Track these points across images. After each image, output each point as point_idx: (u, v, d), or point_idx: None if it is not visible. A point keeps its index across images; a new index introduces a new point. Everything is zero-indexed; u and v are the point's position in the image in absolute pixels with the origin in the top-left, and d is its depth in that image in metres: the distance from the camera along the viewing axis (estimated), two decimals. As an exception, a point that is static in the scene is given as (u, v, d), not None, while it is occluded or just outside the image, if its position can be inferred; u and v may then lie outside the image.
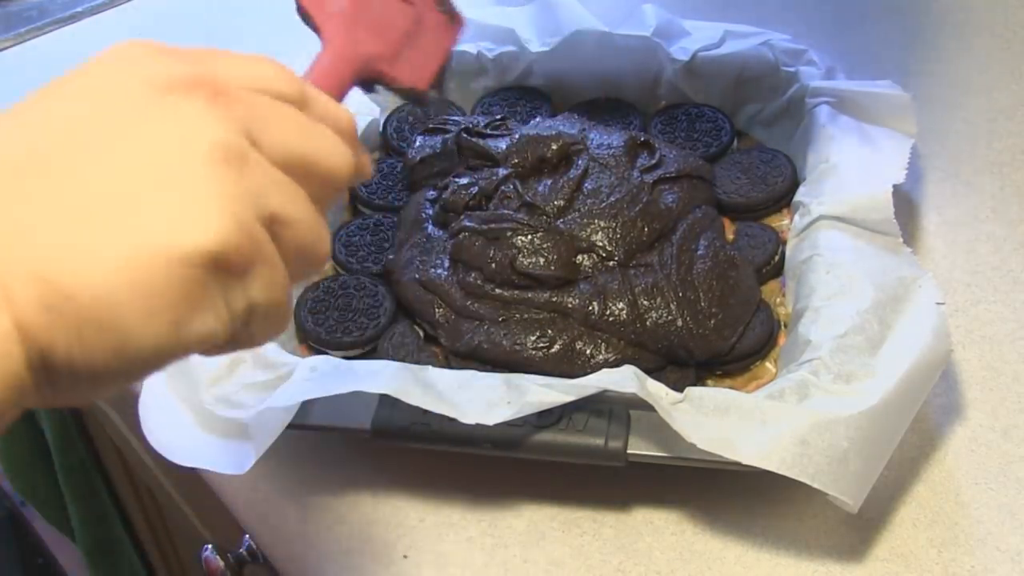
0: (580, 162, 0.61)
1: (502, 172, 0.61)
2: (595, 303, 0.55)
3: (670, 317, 0.55)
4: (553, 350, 0.55)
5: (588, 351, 0.55)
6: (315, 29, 0.47)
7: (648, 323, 0.55)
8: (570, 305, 0.56)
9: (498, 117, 0.67)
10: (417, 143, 0.67)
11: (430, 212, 0.62)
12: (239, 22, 0.89)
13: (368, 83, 0.48)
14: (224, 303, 0.29)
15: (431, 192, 0.64)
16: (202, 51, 0.33)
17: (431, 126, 0.68)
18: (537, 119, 0.67)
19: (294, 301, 0.30)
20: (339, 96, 0.45)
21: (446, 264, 0.59)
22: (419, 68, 0.49)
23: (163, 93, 0.30)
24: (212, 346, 0.30)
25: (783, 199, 0.63)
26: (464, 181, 0.61)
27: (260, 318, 0.31)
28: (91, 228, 0.27)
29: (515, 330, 0.55)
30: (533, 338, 0.55)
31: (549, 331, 0.55)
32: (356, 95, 0.69)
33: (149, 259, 0.27)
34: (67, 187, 0.28)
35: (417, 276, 0.59)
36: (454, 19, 0.53)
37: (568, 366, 0.54)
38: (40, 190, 0.27)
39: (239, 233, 0.28)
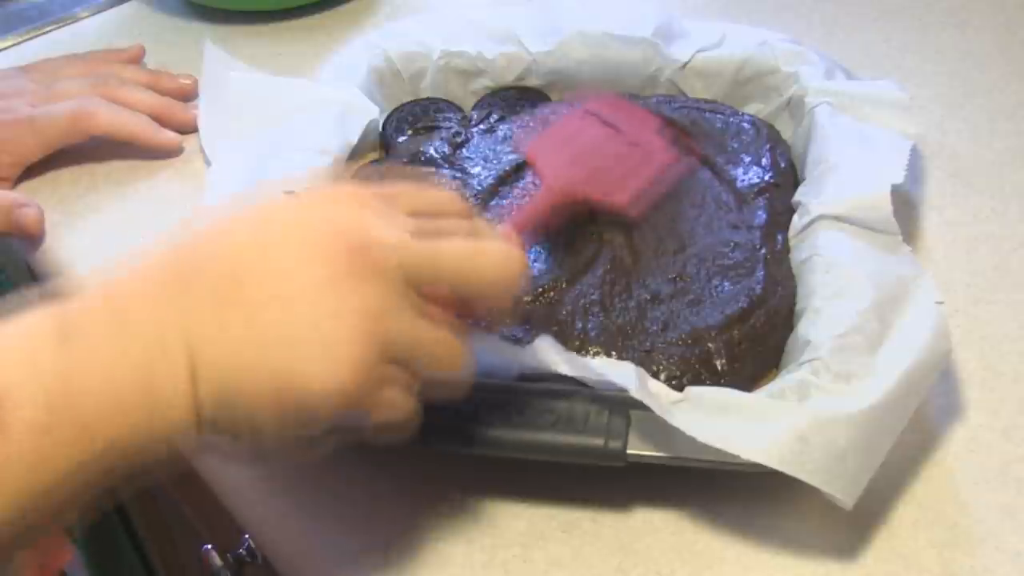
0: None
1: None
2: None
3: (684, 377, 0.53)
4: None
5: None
6: (537, 174, 0.57)
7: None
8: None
9: (495, 118, 0.67)
10: (398, 141, 0.67)
11: None
12: (238, 18, 0.89)
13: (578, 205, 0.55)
14: (343, 428, 0.40)
15: None
16: (389, 192, 0.42)
17: (420, 126, 0.68)
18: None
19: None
20: (545, 220, 0.54)
21: None
22: (621, 188, 0.56)
23: (334, 259, 0.38)
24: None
25: (783, 199, 0.63)
26: None
27: (381, 432, 0.41)
28: (260, 354, 0.37)
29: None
30: None
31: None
32: (356, 95, 0.69)
33: (290, 394, 0.37)
34: (256, 315, 0.37)
35: None
36: (675, 147, 0.59)
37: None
38: (238, 313, 0.37)
39: (358, 385, 0.38)
